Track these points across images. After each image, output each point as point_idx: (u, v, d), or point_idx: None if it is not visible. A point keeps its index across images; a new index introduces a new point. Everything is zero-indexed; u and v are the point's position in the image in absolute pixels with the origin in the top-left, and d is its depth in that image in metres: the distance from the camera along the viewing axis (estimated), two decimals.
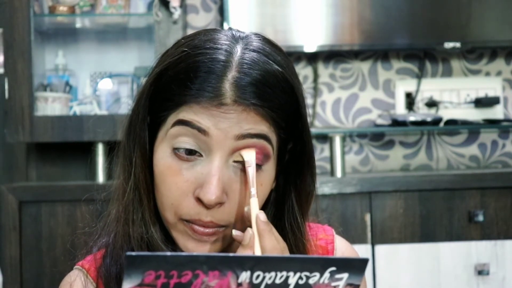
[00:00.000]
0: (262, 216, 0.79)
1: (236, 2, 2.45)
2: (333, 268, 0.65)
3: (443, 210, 2.16)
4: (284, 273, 0.65)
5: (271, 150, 0.82)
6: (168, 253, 0.63)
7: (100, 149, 2.30)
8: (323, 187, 2.12)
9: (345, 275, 0.66)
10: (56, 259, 2.10)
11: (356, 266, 0.66)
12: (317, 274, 0.65)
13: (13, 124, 2.22)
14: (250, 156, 0.81)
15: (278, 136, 0.83)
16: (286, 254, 0.80)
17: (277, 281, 0.65)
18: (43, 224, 2.12)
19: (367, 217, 2.14)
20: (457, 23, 2.55)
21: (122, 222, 0.87)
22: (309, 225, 0.95)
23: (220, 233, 0.83)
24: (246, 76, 0.80)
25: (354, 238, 2.10)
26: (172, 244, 0.87)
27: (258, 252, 0.77)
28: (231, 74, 0.80)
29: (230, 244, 0.85)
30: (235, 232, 0.81)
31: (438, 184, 2.17)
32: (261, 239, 0.78)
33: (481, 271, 2.12)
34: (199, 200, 0.80)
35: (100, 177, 2.30)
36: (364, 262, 0.66)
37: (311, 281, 0.65)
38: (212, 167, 0.80)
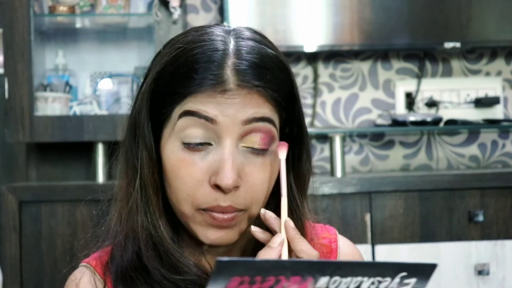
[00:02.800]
0: (291, 223, 0.81)
1: (236, 2, 2.45)
2: (404, 273, 0.66)
3: (443, 210, 2.16)
4: (359, 278, 0.66)
5: (275, 132, 0.85)
6: (257, 259, 0.64)
7: (100, 149, 2.30)
8: (323, 187, 2.12)
9: (413, 280, 0.66)
10: (56, 259, 2.10)
11: (425, 271, 0.66)
12: (389, 279, 0.66)
13: (13, 124, 2.22)
14: (283, 155, 0.84)
15: (280, 117, 0.86)
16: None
17: (351, 286, 0.66)
18: (43, 224, 2.12)
19: (367, 217, 2.14)
20: (457, 23, 2.55)
21: (129, 224, 0.87)
22: (311, 224, 0.96)
23: (239, 217, 0.84)
24: (245, 61, 0.82)
25: (354, 238, 2.09)
26: (179, 242, 0.88)
27: (285, 257, 0.79)
28: (231, 61, 0.82)
29: (246, 228, 0.87)
30: (254, 228, 0.83)
31: (438, 184, 2.17)
32: (295, 243, 0.79)
33: (481, 271, 2.12)
34: (215, 186, 0.82)
35: (100, 177, 2.30)
36: (432, 267, 0.66)
37: (381, 286, 0.66)
38: (224, 152, 0.82)
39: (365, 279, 0.66)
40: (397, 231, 2.14)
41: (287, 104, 0.86)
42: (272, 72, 0.84)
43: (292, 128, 0.89)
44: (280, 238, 0.79)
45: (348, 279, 0.65)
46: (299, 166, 0.91)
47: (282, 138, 0.88)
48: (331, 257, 0.99)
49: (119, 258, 0.88)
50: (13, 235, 2.10)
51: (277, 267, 0.63)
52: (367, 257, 2.10)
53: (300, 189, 0.91)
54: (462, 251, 2.14)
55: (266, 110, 0.83)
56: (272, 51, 0.85)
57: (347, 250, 1.01)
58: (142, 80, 0.89)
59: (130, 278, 0.86)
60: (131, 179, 0.87)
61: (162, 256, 0.86)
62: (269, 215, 0.83)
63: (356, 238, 2.11)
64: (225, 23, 0.94)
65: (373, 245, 2.13)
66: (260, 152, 0.84)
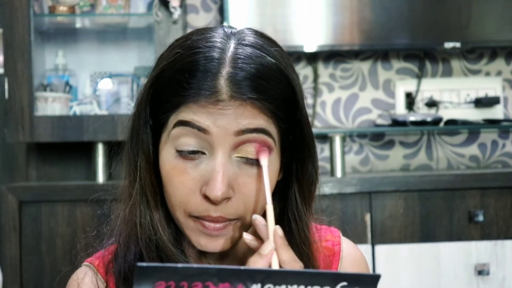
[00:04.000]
0: (280, 231, 0.79)
1: (236, 2, 2.45)
2: (344, 283, 0.65)
3: (443, 210, 2.16)
4: (295, 287, 0.65)
5: (272, 143, 0.83)
6: (179, 265, 0.63)
7: (100, 149, 2.30)
8: (323, 187, 2.11)
9: None
10: (56, 259, 2.10)
11: (367, 282, 0.66)
12: None
13: (13, 124, 2.22)
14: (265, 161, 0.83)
15: (278, 128, 0.84)
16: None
17: None
18: (43, 224, 2.12)
19: (367, 217, 2.14)
20: (457, 23, 2.55)
21: (130, 225, 0.88)
22: (316, 226, 0.95)
23: (231, 226, 0.84)
24: (241, 71, 0.81)
25: (354, 238, 2.07)
26: (181, 245, 0.88)
27: (275, 265, 0.77)
28: (226, 70, 0.81)
29: (239, 237, 0.86)
30: (246, 236, 0.82)
31: (438, 184, 2.17)
32: (280, 252, 0.78)
33: (481, 271, 2.12)
34: (206, 197, 0.81)
35: (100, 177, 2.30)
36: (375, 278, 0.66)
37: None
38: (215, 164, 0.81)
39: (302, 287, 0.65)
40: (397, 231, 2.14)
41: (287, 114, 0.84)
42: (269, 83, 0.81)
43: (295, 136, 0.87)
44: (270, 246, 0.78)
45: (283, 287, 0.65)
46: (303, 175, 0.89)
47: (286, 147, 0.87)
48: (333, 260, 0.98)
49: (122, 259, 0.88)
50: (13, 235, 2.10)
51: (202, 274, 0.63)
52: (368, 257, 2.10)
53: (303, 199, 0.90)
54: (462, 251, 2.14)
55: (260, 121, 0.81)
56: (272, 60, 0.83)
57: (350, 253, 1.00)
58: (143, 81, 0.89)
59: (132, 279, 0.86)
60: (132, 180, 0.88)
61: (163, 259, 0.86)
62: (258, 221, 0.81)
63: (356, 238, 2.10)
64: (225, 23, 0.92)
65: (373, 245, 2.13)
66: (255, 162, 0.83)
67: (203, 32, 0.86)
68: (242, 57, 0.82)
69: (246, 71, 0.81)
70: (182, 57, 0.83)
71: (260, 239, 0.81)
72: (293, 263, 0.78)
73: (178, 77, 0.82)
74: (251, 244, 0.81)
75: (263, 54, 0.83)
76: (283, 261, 0.77)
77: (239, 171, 0.83)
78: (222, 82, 0.80)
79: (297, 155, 0.88)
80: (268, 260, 0.77)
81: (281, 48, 0.87)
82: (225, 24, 0.93)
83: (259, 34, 0.87)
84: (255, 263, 0.77)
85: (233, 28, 0.88)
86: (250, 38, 0.85)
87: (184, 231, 0.86)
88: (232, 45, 0.83)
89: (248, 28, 0.88)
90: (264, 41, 0.86)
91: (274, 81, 0.82)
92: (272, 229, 0.79)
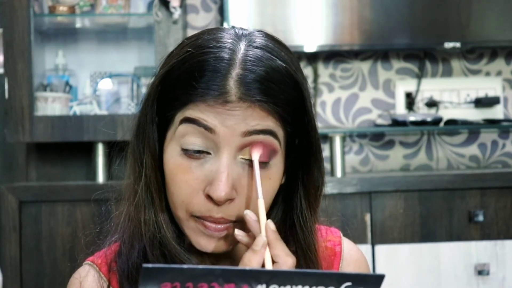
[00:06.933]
0: (272, 225, 0.79)
1: (236, 2, 2.45)
2: (349, 284, 0.65)
3: (443, 210, 2.16)
4: (300, 287, 0.65)
5: (278, 145, 0.83)
6: (185, 266, 0.63)
7: (100, 149, 2.31)
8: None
9: None
10: (56, 259, 2.10)
11: (372, 282, 0.66)
12: None
13: (13, 124, 2.22)
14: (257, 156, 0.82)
15: (285, 131, 0.84)
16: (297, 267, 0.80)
17: None
18: (43, 224, 2.12)
19: (367, 217, 2.14)
20: (457, 23, 2.55)
21: (135, 222, 0.87)
22: (317, 227, 0.95)
23: (232, 228, 0.83)
24: (250, 73, 0.80)
25: (354, 238, 2.07)
26: (184, 244, 0.88)
27: (268, 260, 0.77)
28: (235, 72, 0.80)
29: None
30: (237, 232, 0.82)
31: (438, 184, 2.17)
32: (273, 246, 0.78)
33: (481, 271, 2.12)
34: (209, 197, 0.81)
35: (100, 177, 2.30)
36: (380, 278, 0.66)
37: None
38: (220, 164, 0.81)
39: (306, 287, 0.65)
40: (397, 231, 2.14)
41: (295, 118, 0.84)
42: (279, 86, 0.81)
43: (302, 141, 0.87)
44: (262, 240, 0.77)
45: (287, 287, 0.65)
46: (308, 181, 0.88)
47: (291, 150, 0.86)
48: (334, 260, 0.98)
49: (126, 256, 0.88)
50: (13, 235, 2.10)
51: (207, 274, 0.63)
52: (368, 257, 2.09)
53: (309, 204, 0.89)
54: (462, 251, 2.14)
55: (269, 122, 0.81)
56: (282, 63, 0.83)
57: (351, 253, 1.00)
58: (150, 80, 0.89)
59: (135, 277, 0.87)
60: (137, 177, 0.87)
61: (167, 256, 0.86)
62: (249, 216, 0.81)
63: (356, 238, 2.10)
64: (225, 24, 0.92)
65: (373, 245, 2.13)
66: (260, 165, 0.82)
67: (214, 32, 0.86)
68: (252, 59, 0.81)
69: (256, 73, 0.80)
70: (192, 56, 0.82)
71: (253, 235, 0.81)
72: (286, 258, 0.78)
73: (187, 76, 0.81)
74: (243, 240, 0.81)
75: (273, 57, 0.83)
76: (276, 255, 0.77)
77: (243, 172, 0.82)
78: (232, 83, 0.80)
79: (303, 160, 0.88)
80: (262, 255, 0.77)
81: (291, 52, 0.87)
82: (235, 25, 0.92)
83: (270, 37, 0.86)
84: (249, 259, 0.77)
85: (244, 29, 0.87)
86: (260, 41, 0.84)
87: (185, 231, 0.86)
88: (242, 46, 0.83)
89: (258, 31, 0.87)
90: (275, 44, 0.85)
91: (283, 85, 0.82)
92: (264, 223, 0.79)
